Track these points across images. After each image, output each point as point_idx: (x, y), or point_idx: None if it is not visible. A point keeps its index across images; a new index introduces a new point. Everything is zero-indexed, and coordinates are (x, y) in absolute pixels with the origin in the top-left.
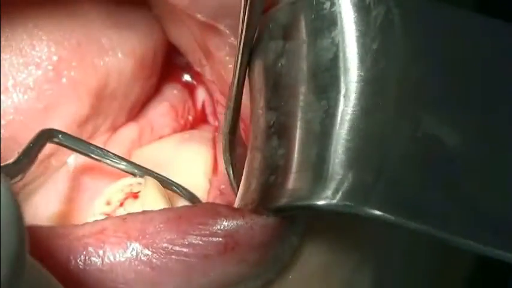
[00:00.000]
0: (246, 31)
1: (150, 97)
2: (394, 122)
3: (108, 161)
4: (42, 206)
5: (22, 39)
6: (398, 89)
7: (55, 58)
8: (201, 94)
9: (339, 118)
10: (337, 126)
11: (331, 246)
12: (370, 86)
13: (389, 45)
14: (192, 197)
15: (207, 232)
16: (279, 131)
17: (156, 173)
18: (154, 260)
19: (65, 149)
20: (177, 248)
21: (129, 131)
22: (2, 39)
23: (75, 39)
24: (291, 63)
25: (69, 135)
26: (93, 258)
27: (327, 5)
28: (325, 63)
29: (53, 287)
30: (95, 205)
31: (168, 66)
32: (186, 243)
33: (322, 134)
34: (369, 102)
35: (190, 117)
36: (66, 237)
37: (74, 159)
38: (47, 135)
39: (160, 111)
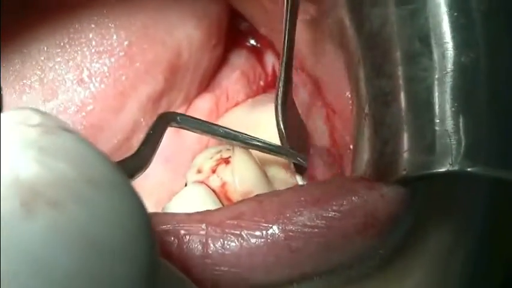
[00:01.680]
0: None
1: (219, 66)
2: (494, 84)
3: (231, 139)
4: None
5: (90, 30)
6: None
7: (126, 43)
8: (269, 58)
9: (449, 82)
10: (449, 91)
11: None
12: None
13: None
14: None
15: (346, 212)
16: (397, 97)
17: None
18: (293, 243)
19: None
20: (316, 230)
21: (206, 102)
22: (70, 31)
23: (141, 21)
24: (401, 29)
25: (188, 116)
26: (231, 243)
27: None
28: (436, 26)
29: (184, 283)
30: (187, 176)
31: (232, 32)
32: (325, 224)
33: (438, 99)
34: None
35: (261, 82)
36: (203, 222)
37: None
38: (166, 120)
39: (233, 80)
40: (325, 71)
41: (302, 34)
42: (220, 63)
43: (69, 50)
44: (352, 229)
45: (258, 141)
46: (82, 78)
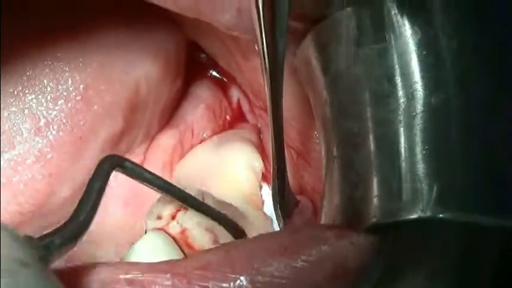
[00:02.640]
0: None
1: (182, 101)
2: (467, 123)
3: (172, 193)
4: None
5: (45, 75)
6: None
7: (82, 87)
8: (234, 92)
9: (419, 124)
10: (418, 134)
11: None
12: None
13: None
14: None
15: (315, 262)
16: (365, 140)
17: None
18: None
19: None
20: (284, 281)
21: (170, 138)
22: (24, 79)
23: (96, 61)
24: (368, 69)
25: (134, 164)
26: None
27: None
28: (405, 66)
29: None
30: (146, 222)
31: (193, 64)
32: (293, 275)
33: (408, 142)
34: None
35: (228, 117)
36: (169, 272)
37: None
38: (110, 164)
39: (198, 114)
40: (289, 112)
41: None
42: (182, 97)
43: (23, 98)
44: (322, 280)
45: (203, 205)
46: (39, 127)
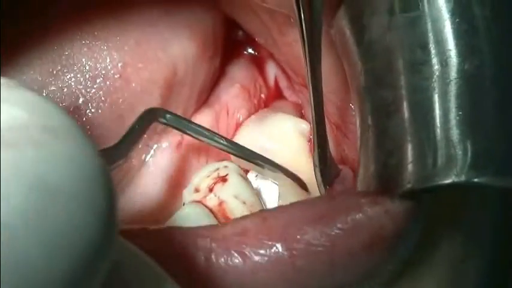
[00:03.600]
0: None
1: (218, 80)
2: (502, 89)
3: (214, 142)
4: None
5: (83, 54)
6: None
7: (120, 65)
8: (271, 69)
9: (453, 91)
10: (453, 100)
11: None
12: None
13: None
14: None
15: (351, 230)
16: (399, 107)
17: (259, 155)
18: (297, 261)
19: None
20: (320, 249)
21: (205, 117)
22: (62, 59)
23: (133, 39)
24: (402, 37)
25: (175, 115)
26: (234, 260)
27: None
28: (438, 33)
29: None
30: (184, 194)
31: (229, 42)
32: (329, 243)
33: (442, 108)
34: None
35: (263, 95)
36: (207, 238)
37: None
38: (152, 116)
39: (232, 94)
40: (326, 86)
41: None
42: (219, 76)
43: (62, 77)
44: (358, 247)
45: (250, 151)
46: (78, 106)
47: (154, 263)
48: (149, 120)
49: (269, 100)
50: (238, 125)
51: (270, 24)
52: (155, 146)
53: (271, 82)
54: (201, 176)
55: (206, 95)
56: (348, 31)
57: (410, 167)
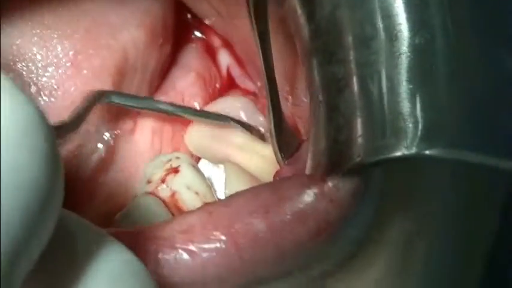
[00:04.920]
0: None
1: (172, 67)
2: (453, 63)
3: (163, 111)
4: None
5: (34, 44)
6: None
7: (71, 53)
8: (223, 59)
9: (403, 64)
10: (403, 73)
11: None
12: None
13: None
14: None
15: (297, 219)
16: (349, 83)
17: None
18: (245, 253)
19: None
20: (267, 240)
21: None
22: (13, 49)
23: (83, 27)
24: (352, 13)
25: (118, 92)
26: (183, 257)
27: None
28: (389, 8)
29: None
30: (135, 186)
31: (180, 26)
32: (276, 233)
33: (391, 82)
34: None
35: (217, 85)
36: (153, 238)
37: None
38: (95, 97)
39: (189, 82)
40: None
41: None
42: (171, 63)
43: (13, 67)
44: (305, 235)
45: (205, 113)
46: (30, 94)
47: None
48: (95, 101)
49: (223, 89)
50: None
51: (218, 5)
52: (107, 135)
53: (224, 71)
54: (153, 167)
55: (158, 82)
56: (299, 9)
57: (359, 141)
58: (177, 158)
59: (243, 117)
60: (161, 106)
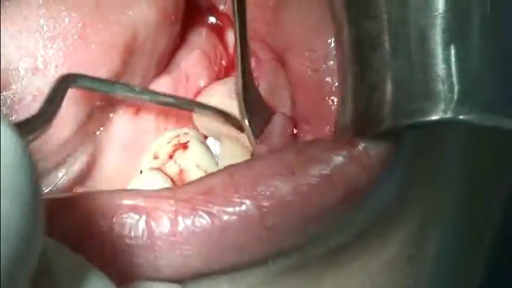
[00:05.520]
0: None
1: (177, 47)
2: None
3: (133, 96)
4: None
5: (41, 15)
6: None
7: (79, 25)
8: (231, 37)
9: (440, 25)
10: (440, 34)
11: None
12: None
13: None
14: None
15: (325, 183)
16: (384, 40)
17: (192, 101)
18: (268, 219)
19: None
20: (292, 204)
21: (164, 84)
22: (20, 20)
23: (93, 1)
24: None
25: (88, 76)
26: (202, 220)
27: None
28: None
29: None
30: (142, 161)
31: (191, 10)
32: (301, 197)
33: (429, 42)
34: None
35: (223, 62)
36: (172, 198)
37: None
38: (67, 81)
39: (192, 60)
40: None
41: None
42: (178, 44)
43: (20, 38)
44: (332, 200)
45: (172, 97)
46: (36, 66)
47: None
48: (64, 86)
49: (229, 69)
50: (199, 92)
51: None
52: (111, 114)
53: (231, 50)
54: (161, 143)
55: (165, 62)
56: None
57: (393, 102)
58: (186, 133)
59: None
60: (143, 95)
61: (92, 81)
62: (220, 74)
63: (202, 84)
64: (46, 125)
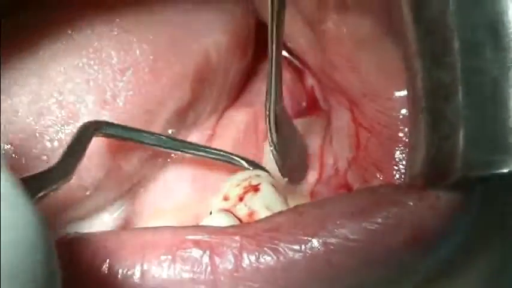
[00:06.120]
0: None
1: (253, 77)
2: None
3: (162, 146)
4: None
5: (111, 47)
6: None
7: (151, 58)
8: (309, 79)
9: None
10: None
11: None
12: None
13: None
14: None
15: (392, 225)
16: (457, 90)
17: (215, 149)
18: (333, 257)
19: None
20: (359, 244)
21: (243, 115)
22: (90, 50)
23: (165, 33)
24: (463, 16)
25: (113, 124)
26: (266, 257)
27: None
28: (502, 14)
29: None
30: (212, 202)
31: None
32: (368, 238)
33: (504, 93)
34: None
35: (304, 103)
36: (238, 235)
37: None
38: (92, 129)
39: None
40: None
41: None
42: (256, 75)
43: (89, 70)
44: (398, 244)
45: (203, 148)
46: (105, 99)
47: None
48: (88, 134)
49: (309, 109)
50: None
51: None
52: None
53: (309, 88)
54: (231, 184)
55: (238, 91)
56: (405, 7)
57: (464, 153)
58: (257, 175)
59: None
60: (154, 139)
61: (117, 128)
62: (299, 112)
63: None
64: (66, 178)
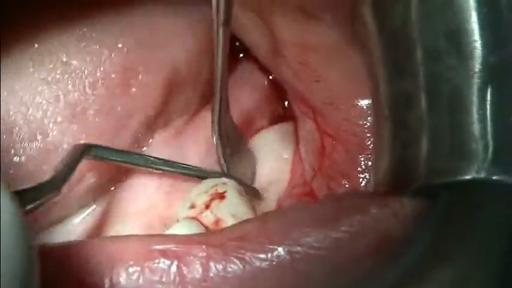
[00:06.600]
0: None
1: (236, 85)
2: None
3: (150, 166)
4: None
5: (79, 59)
6: None
7: (121, 69)
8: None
9: (476, 84)
10: (476, 93)
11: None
12: None
13: None
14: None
15: (357, 233)
16: (419, 98)
17: (206, 170)
18: (299, 266)
19: None
20: (324, 252)
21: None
22: (57, 65)
23: (136, 42)
24: (425, 25)
25: (103, 147)
26: (233, 266)
27: None
28: (464, 23)
29: None
30: (178, 210)
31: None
32: (333, 246)
33: (464, 101)
34: None
35: (280, 109)
36: (204, 244)
37: None
38: (81, 152)
39: (253, 99)
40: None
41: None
42: (236, 80)
43: (57, 84)
44: (363, 251)
45: (185, 167)
46: (73, 114)
47: None
48: (77, 157)
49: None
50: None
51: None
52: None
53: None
54: (198, 192)
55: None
56: (369, 18)
57: (427, 160)
58: (224, 183)
59: None
60: (153, 162)
61: (107, 151)
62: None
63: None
64: (53, 194)
